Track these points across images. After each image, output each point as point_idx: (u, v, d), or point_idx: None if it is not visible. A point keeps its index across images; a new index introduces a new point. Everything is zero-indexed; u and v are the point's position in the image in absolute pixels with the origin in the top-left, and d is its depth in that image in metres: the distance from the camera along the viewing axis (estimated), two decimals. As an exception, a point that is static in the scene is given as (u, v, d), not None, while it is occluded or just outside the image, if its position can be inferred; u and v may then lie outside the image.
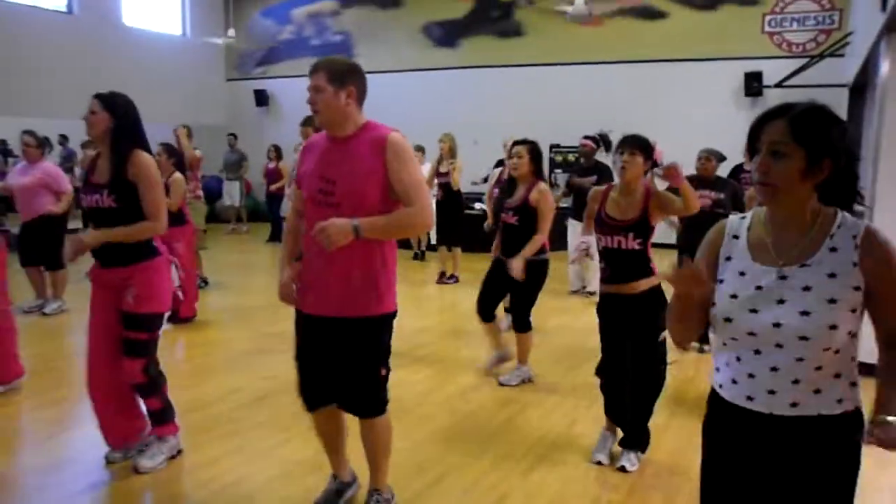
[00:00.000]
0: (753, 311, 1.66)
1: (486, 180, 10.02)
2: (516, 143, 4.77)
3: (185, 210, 6.35)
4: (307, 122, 5.22)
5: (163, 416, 3.48)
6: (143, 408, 3.49)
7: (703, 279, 1.68)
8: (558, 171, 11.83)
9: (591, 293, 7.29)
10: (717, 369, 1.82)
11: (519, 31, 12.68)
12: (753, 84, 10.92)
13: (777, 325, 1.62)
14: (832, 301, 1.60)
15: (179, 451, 3.55)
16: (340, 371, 2.71)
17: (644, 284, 3.40)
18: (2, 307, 4.48)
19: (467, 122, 12.79)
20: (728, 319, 1.70)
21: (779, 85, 10.77)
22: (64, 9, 12.71)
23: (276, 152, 11.56)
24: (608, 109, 11.74)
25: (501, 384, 4.66)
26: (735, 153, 9.04)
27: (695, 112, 11.29)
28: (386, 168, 2.56)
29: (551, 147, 12.03)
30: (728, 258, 1.75)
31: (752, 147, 1.67)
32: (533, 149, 4.63)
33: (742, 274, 1.71)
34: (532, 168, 4.59)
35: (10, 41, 11.36)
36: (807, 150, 1.58)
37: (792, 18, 10.91)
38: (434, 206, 6.22)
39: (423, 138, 11.91)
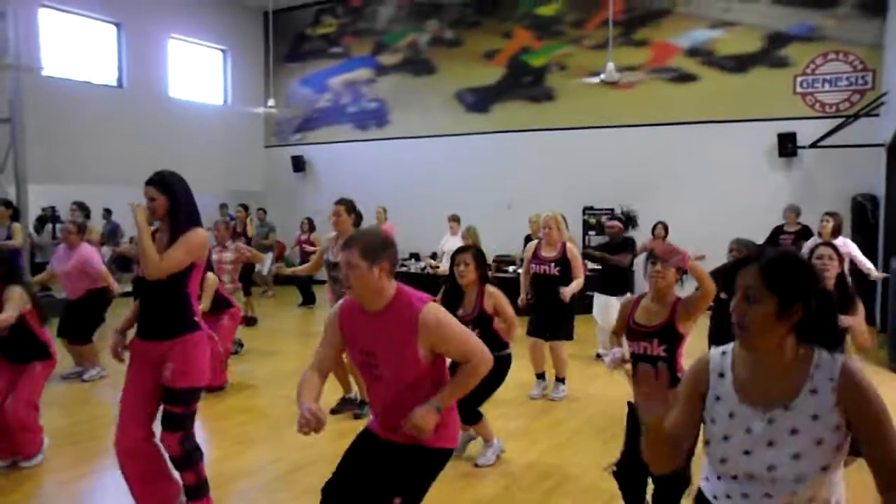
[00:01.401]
0: (747, 452, 1.72)
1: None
2: (459, 250, 4.67)
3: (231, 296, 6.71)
4: (341, 202, 5.35)
5: (197, 491, 3.50)
6: (175, 474, 3.51)
7: (663, 391, 1.73)
8: (592, 233, 11.84)
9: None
10: (707, 479, 1.86)
11: (550, 95, 12.91)
12: (788, 145, 10.90)
13: (771, 468, 1.69)
14: (819, 442, 1.66)
15: (215, 525, 3.55)
16: (368, 486, 2.66)
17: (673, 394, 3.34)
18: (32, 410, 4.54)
19: (500, 186, 12.98)
20: (723, 461, 1.76)
21: (814, 145, 10.77)
22: (114, 83, 13.32)
23: (309, 224, 11.74)
24: (641, 171, 11.84)
25: (479, 465, 4.45)
26: (770, 213, 9.03)
27: (728, 173, 11.30)
28: (420, 345, 2.58)
29: (584, 209, 12.08)
30: (717, 398, 1.80)
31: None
32: (477, 254, 4.59)
33: (731, 416, 1.76)
34: (478, 274, 4.52)
35: (63, 114, 11.91)
36: (778, 296, 1.66)
37: (824, 80, 10.94)
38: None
39: (457, 202, 12.09)
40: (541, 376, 6.26)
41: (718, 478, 1.80)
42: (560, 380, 6.20)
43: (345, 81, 15.09)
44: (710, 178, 11.47)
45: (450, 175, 13.47)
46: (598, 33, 12.12)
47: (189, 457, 3.42)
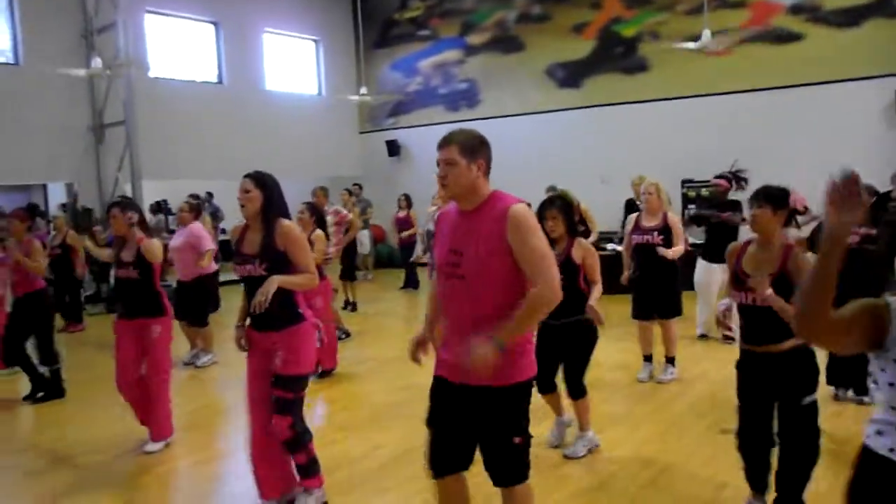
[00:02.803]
0: None
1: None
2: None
3: (322, 267, 6.71)
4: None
5: (308, 469, 3.70)
6: (293, 463, 3.71)
7: (855, 198, 1.59)
8: (691, 206, 11.43)
9: (730, 338, 6.92)
10: (880, 432, 1.72)
11: (644, 65, 12.49)
12: (909, 102, 10.12)
13: None
14: None
15: (325, 503, 3.74)
16: (479, 439, 2.73)
17: (789, 344, 3.18)
18: (164, 376, 4.87)
19: (594, 161, 12.74)
20: None
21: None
22: (214, 80, 13.90)
23: (407, 201, 11.87)
24: (741, 140, 11.30)
25: (567, 457, 4.34)
26: (886, 178, 8.42)
27: (838, 137, 10.61)
28: (508, 238, 2.56)
29: (683, 182, 11.66)
30: None
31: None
32: (564, 206, 4.43)
33: None
34: (566, 226, 4.37)
35: (169, 113, 12.54)
36: None
37: (948, 29, 10.07)
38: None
39: (551, 179, 11.92)
40: (648, 358, 6.12)
41: None
42: (670, 360, 6.06)
43: (434, 64, 15.13)
44: (819, 143, 10.81)
45: (543, 152, 13.32)
46: (693, -3, 11.60)
47: (299, 438, 3.61)
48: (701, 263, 7.31)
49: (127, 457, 4.72)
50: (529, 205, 2.72)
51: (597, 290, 4.39)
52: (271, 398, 3.58)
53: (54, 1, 11.52)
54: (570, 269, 4.19)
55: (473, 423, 2.72)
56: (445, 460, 2.80)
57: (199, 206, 7.60)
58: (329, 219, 7.58)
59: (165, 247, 5.91)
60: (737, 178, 7.16)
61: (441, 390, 2.80)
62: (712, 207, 7.28)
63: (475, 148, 2.65)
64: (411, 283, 11.94)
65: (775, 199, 3.22)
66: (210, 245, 7.13)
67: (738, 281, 3.31)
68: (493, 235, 2.58)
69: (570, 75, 13.30)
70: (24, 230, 6.20)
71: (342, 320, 8.14)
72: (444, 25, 14.96)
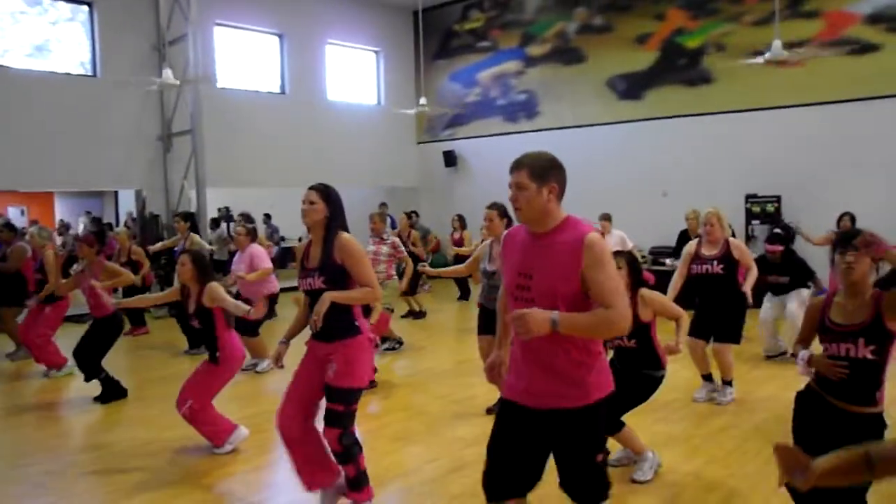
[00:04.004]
0: None
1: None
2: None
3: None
4: (494, 207, 5.33)
5: (358, 482, 3.71)
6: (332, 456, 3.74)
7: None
8: (755, 222, 11.12)
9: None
10: None
11: (708, 77, 12.24)
12: None
13: None
14: None
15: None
16: (559, 461, 2.70)
17: (869, 409, 2.98)
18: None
19: (655, 175, 12.53)
20: None
21: None
22: (278, 90, 14.21)
23: (461, 222, 11.92)
24: (810, 155, 11.00)
25: (635, 481, 4.20)
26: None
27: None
28: (582, 270, 2.52)
29: (747, 197, 11.35)
30: None
31: None
32: (631, 260, 4.35)
33: None
34: (630, 280, 4.24)
35: (234, 123, 12.87)
36: None
37: None
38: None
39: (610, 192, 11.83)
40: (707, 378, 5.95)
41: None
42: (727, 382, 5.89)
43: (493, 75, 15.14)
44: (894, 160, 10.41)
45: (603, 164, 13.17)
46: (761, 7, 11.31)
47: (348, 451, 3.62)
48: (769, 297, 7.25)
49: (184, 458, 4.82)
50: (603, 234, 2.70)
51: (684, 325, 4.35)
52: (318, 403, 3.65)
53: (130, 15, 11.98)
54: (640, 332, 4.21)
55: (548, 446, 2.69)
56: (507, 484, 2.74)
57: (254, 229, 7.82)
58: (384, 249, 7.54)
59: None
60: (789, 235, 7.05)
61: (510, 414, 2.75)
62: (771, 266, 7.13)
63: (545, 171, 2.61)
64: (465, 294, 12.03)
65: (871, 247, 3.05)
66: (267, 264, 7.33)
67: (825, 331, 3.11)
68: (567, 262, 2.55)
69: (632, 87, 13.12)
70: (93, 254, 6.47)
71: (393, 331, 8.15)
72: (504, 36, 14.96)
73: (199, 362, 5.04)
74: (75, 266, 7.02)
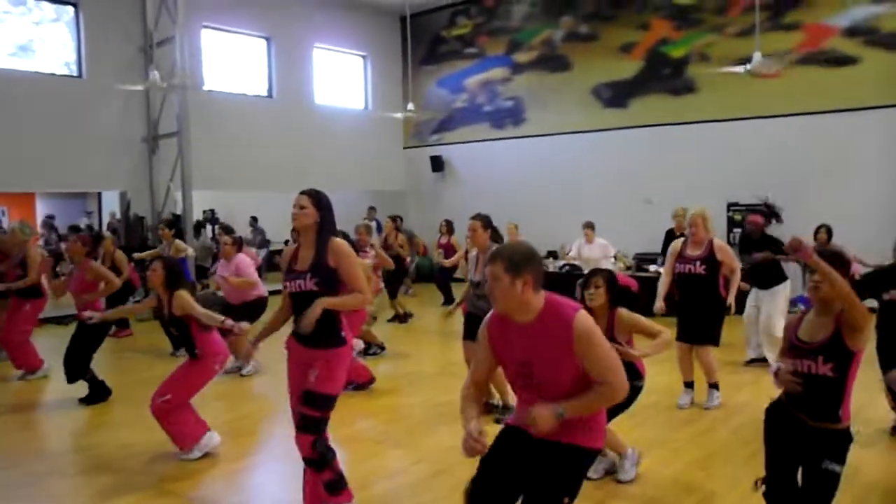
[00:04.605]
0: None
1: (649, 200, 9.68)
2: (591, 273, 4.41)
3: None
4: (477, 217, 5.40)
5: (336, 485, 3.72)
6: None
7: None
8: (737, 230, 11.25)
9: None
10: None
11: (691, 87, 12.39)
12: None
13: None
14: None
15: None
16: (527, 490, 2.71)
17: (834, 426, 3.02)
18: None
19: (640, 183, 12.67)
20: None
21: None
22: (265, 94, 14.21)
23: (448, 227, 11.92)
24: (791, 164, 11.18)
25: (621, 482, 4.28)
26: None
27: (894, 163, 10.37)
28: (575, 351, 2.60)
29: (729, 206, 11.51)
30: None
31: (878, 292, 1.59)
32: (609, 278, 4.32)
33: None
34: (607, 298, 4.23)
35: (220, 125, 12.85)
36: None
37: None
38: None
39: (595, 198, 11.96)
40: (689, 385, 6.01)
41: None
42: (713, 385, 5.94)
43: (480, 81, 15.23)
44: (877, 169, 10.60)
45: (588, 171, 13.30)
46: (743, 19, 11.49)
47: (323, 457, 3.63)
48: (754, 291, 7.27)
49: (166, 460, 4.81)
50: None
51: (663, 341, 4.21)
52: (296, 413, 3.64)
53: (116, 16, 11.93)
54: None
55: (528, 472, 2.72)
56: (487, 498, 2.76)
57: (240, 238, 7.83)
58: (368, 262, 7.49)
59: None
60: (772, 214, 7.08)
61: (508, 434, 2.85)
62: (749, 244, 7.22)
63: (519, 264, 2.62)
64: (449, 299, 12.02)
65: (843, 265, 3.09)
66: (252, 275, 7.35)
67: (791, 347, 3.16)
68: (559, 346, 2.62)
69: (617, 95, 13.26)
70: (83, 253, 6.46)
71: (375, 336, 8.18)
72: (491, 43, 15.06)
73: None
74: (62, 265, 7.01)
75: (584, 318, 2.62)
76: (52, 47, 11.61)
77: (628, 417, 4.58)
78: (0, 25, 11.07)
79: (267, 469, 4.88)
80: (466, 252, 6.85)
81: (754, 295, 7.27)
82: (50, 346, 7.58)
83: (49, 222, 16.68)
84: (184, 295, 4.78)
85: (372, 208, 13.97)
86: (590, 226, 10.30)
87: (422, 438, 5.24)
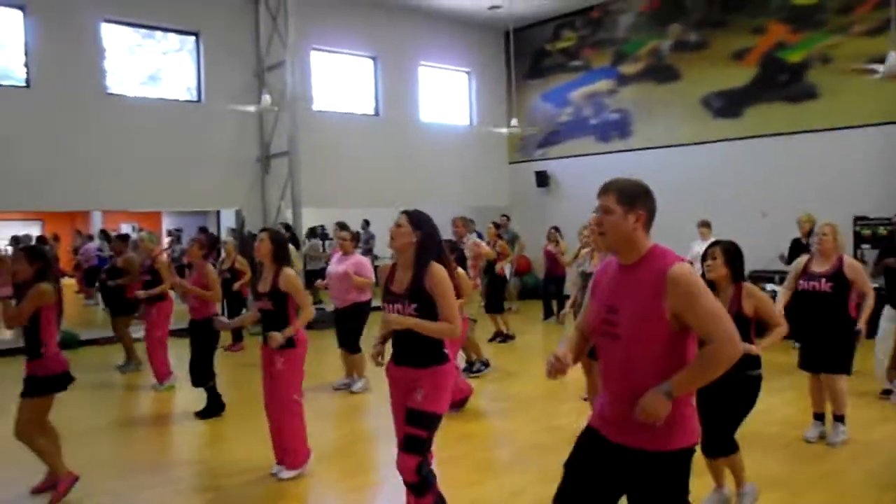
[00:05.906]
0: None
1: (784, 257, 9.31)
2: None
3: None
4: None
5: None
6: None
7: None
8: (865, 246, 10.47)
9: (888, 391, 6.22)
10: None
11: (812, 93, 11.66)
12: None
13: None
14: None
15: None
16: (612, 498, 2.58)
17: None
18: (296, 397, 4.90)
19: (754, 196, 12.05)
20: None
21: None
22: (372, 112, 14.53)
23: (557, 233, 11.80)
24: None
25: None
26: None
27: None
28: (667, 305, 2.41)
29: (855, 220, 10.71)
30: None
31: None
32: (728, 247, 4.12)
33: None
34: (728, 269, 4.06)
35: (329, 144, 13.22)
36: None
37: None
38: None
39: (706, 213, 11.42)
40: (819, 417, 5.53)
41: None
42: (839, 418, 5.41)
43: (586, 94, 14.96)
44: None
45: (698, 185, 12.76)
46: (874, 16, 10.71)
47: (425, 480, 3.55)
48: (887, 310, 6.68)
49: (269, 480, 4.85)
50: (692, 263, 2.57)
51: (777, 333, 4.06)
52: (401, 435, 3.59)
53: (233, 42, 12.55)
54: (740, 324, 3.76)
55: (621, 486, 2.57)
56: None
57: (358, 234, 7.88)
58: (467, 252, 7.47)
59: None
60: None
61: (592, 442, 2.66)
62: (892, 245, 6.65)
63: (635, 197, 2.51)
64: (550, 313, 12.01)
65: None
66: (370, 275, 7.37)
67: None
68: (648, 298, 2.44)
69: (729, 105, 12.68)
70: (200, 256, 6.73)
71: (480, 351, 8.11)
72: (596, 55, 14.78)
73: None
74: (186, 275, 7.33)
75: (681, 268, 2.41)
76: (176, 75, 12.33)
77: (746, 447, 4.28)
78: (132, 57, 11.87)
79: (370, 495, 4.88)
80: (579, 250, 6.78)
81: (889, 315, 6.65)
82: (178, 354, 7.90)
83: (177, 234, 17.68)
84: (292, 274, 4.78)
85: (471, 220, 13.94)
86: (706, 224, 10.02)
87: (525, 467, 5.07)
